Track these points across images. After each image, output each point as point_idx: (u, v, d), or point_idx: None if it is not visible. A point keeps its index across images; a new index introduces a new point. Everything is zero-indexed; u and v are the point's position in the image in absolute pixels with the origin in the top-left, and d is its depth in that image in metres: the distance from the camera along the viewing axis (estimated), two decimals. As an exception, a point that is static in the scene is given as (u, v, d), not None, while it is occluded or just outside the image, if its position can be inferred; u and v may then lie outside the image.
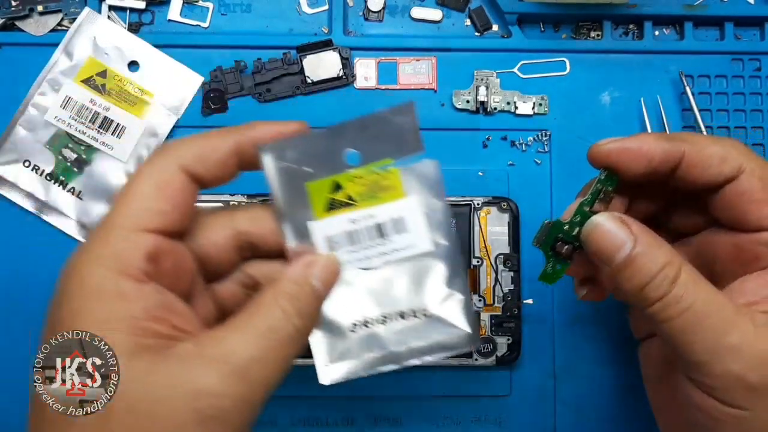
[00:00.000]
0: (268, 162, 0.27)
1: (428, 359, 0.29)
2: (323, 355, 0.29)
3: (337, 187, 0.28)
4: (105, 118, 0.41)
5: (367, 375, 0.29)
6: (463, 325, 0.29)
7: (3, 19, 0.41)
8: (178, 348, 0.23)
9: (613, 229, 0.27)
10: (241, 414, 0.23)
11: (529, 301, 0.40)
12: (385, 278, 0.29)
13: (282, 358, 0.24)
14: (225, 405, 0.23)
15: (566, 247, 0.29)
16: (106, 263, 0.24)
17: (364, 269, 0.29)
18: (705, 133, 0.41)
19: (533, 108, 0.42)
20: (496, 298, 0.39)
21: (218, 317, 0.29)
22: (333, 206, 0.28)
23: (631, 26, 0.43)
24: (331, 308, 0.29)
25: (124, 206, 0.25)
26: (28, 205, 0.40)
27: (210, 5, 0.42)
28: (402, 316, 0.30)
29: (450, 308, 0.29)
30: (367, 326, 0.29)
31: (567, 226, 0.29)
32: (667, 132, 0.41)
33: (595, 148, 0.29)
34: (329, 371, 0.29)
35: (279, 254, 0.28)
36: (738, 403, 0.26)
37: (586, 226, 0.28)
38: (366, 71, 0.42)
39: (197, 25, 0.42)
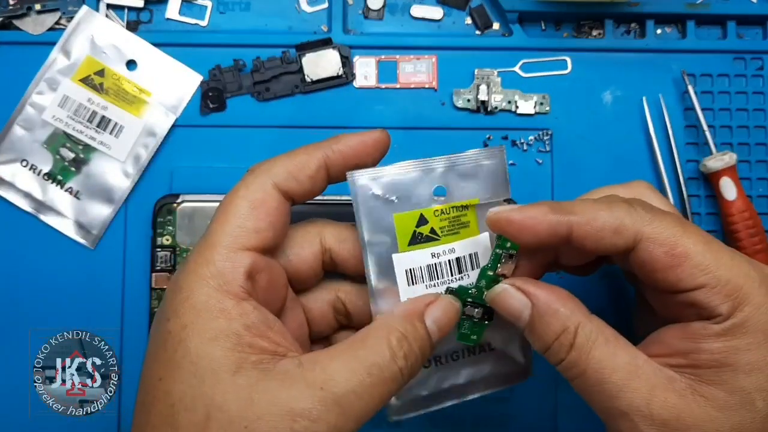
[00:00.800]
0: (357, 188, 0.28)
1: (488, 392, 0.30)
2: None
3: (423, 220, 0.29)
4: (103, 117, 0.40)
5: (432, 410, 0.30)
6: (521, 358, 0.31)
7: (1, 18, 0.41)
8: (280, 366, 0.24)
9: (510, 299, 0.27)
10: None
11: None
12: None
13: (380, 395, 0.25)
14: (319, 430, 0.23)
15: (477, 310, 0.29)
16: (210, 282, 0.25)
17: None
18: (707, 132, 0.41)
19: (534, 107, 0.42)
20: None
21: (309, 333, 0.30)
22: (417, 240, 0.29)
23: (632, 25, 0.43)
24: None
25: (222, 226, 0.26)
26: (25, 204, 0.40)
27: (208, 4, 0.42)
28: (470, 350, 0.30)
29: (512, 343, 0.30)
30: (439, 362, 0.30)
31: (473, 290, 0.29)
32: (670, 133, 0.41)
33: (488, 217, 0.28)
34: (397, 405, 0.30)
35: (357, 275, 0.30)
36: None
37: (486, 297, 0.28)
38: (366, 70, 0.42)
39: (196, 23, 0.42)
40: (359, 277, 0.30)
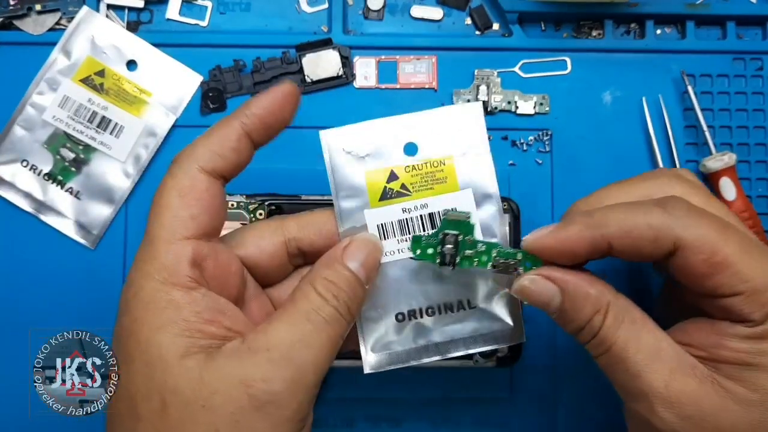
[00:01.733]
0: (327, 146, 0.29)
1: (471, 351, 0.30)
2: (367, 344, 0.30)
3: (393, 176, 0.29)
4: (103, 117, 0.40)
5: (410, 364, 0.30)
6: (508, 319, 0.30)
7: (1, 18, 0.41)
8: (226, 346, 0.25)
9: (539, 290, 0.27)
10: (295, 395, 0.24)
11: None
12: (434, 269, 0.30)
13: (326, 339, 0.26)
14: (276, 388, 0.24)
15: (452, 252, 0.28)
16: (155, 276, 0.25)
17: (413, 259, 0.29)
18: (707, 133, 0.41)
19: (534, 107, 0.42)
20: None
21: (268, 281, 0.30)
22: (387, 195, 0.29)
23: (632, 25, 0.43)
24: (378, 297, 0.29)
25: (158, 219, 0.26)
26: (25, 205, 0.40)
27: (209, 4, 0.42)
28: (449, 307, 0.30)
29: (496, 302, 0.30)
30: (413, 317, 0.30)
31: (470, 239, 0.28)
32: (669, 133, 0.41)
33: (523, 245, 0.28)
34: (372, 359, 0.30)
35: None
36: None
37: (515, 285, 0.28)
38: (366, 70, 0.42)
39: (196, 24, 0.42)
40: None
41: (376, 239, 0.29)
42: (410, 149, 0.29)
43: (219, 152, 0.27)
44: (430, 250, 0.28)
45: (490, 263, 0.28)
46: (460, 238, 0.28)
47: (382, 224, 0.29)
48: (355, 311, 0.27)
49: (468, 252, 0.28)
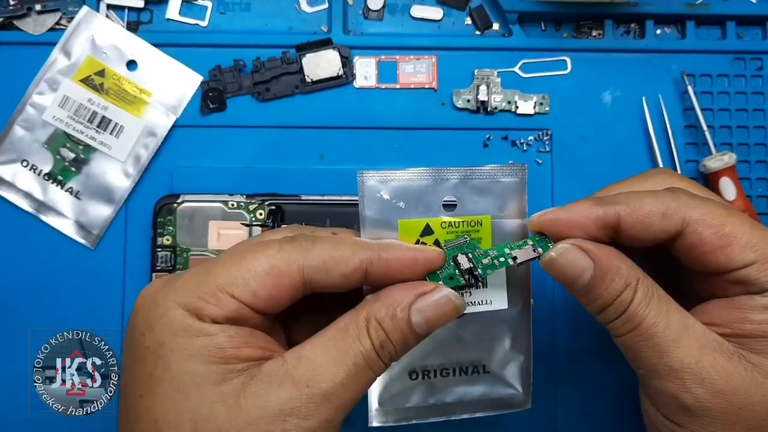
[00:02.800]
0: (365, 189, 0.27)
1: (477, 414, 0.30)
2: (376, 395, 0.29)
3: (428, 230, 0.28)
4: (103, 117, 0.40)
5: (415, 422, 0.30)
6: (518, 386, 0.30)
7: (1, 18, 0.41)
8: (264, 369, 0.24)
9: (573, 258, 0.26)
10: None
11: (530, 301, 0.40)
12: (453, 329, 0.29)
13: (363, 384, 0.25)
14: (311, 426, 0.23)
15: (468, 266, 0.27)
16: (189, 308, 0.25)
17: None
18: (707, 133, 0.41)
19: (534, 107, 0.42)
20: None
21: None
22: None
23: (632, 25, 0.43)
24: None
25: (228, 267, 0.25)
26: (25, 205, 0.40)
27: (209, 4, 0.42)
28: (463, 370, 0.30)
29: (510, 368, 0.30)
30: (427, 376, 0.30)
31: (480, 251, 0.27)
32: (669, 133, 0.41)
33: (531, 221, 0.27)
34: (379, 413, 0.30)
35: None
36: (675, 420, 0.26)
37: (546, 255, 0.27)
38: (366, 70, 0.42)
39: (196, 24, 0.42)
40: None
41: (461, 301, 0.26)
42: (449, 203, 0.28)
43: (329, 269, 0.25)
44: (451, 279, 0.27)
45: (510, 258, 0.27)
46: (470, 255, 0.27)
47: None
48: (397, 358, 0.26)
49: (485, 261, 0.27)
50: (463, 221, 0.28)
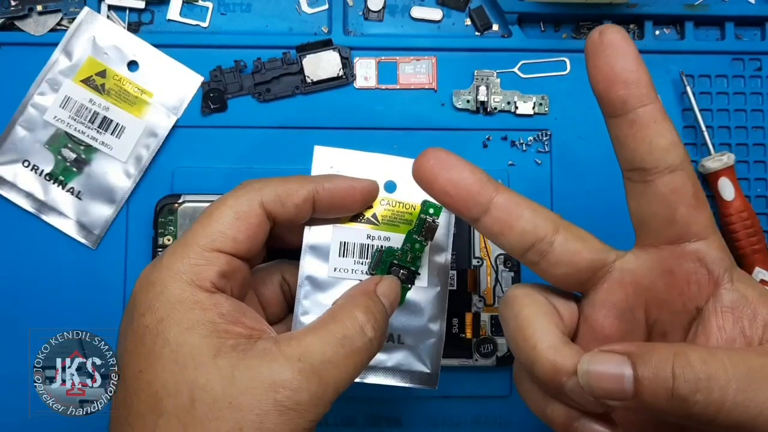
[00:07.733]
0: (316, 160, 0.31)
1: (387, 382, 0.31)
2: None
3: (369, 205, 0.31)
4: (104, 117, 0.40)
5: None
6: (428, 365, 0.32)
7: (2, 19, 0.41)
8: (257, 345, 0.26)
9: (605, 367, 0.22)
10: (315, 408, 0.25)
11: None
12: None
13: (353, 364, 0.26)
14: (301, 399, 0.25)
15: (402, 271, 0.31)
16: (183, 277, 0.26)
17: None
18: (705, 133, 0.41)
19: (533, 108, 0.42)
20: (496, 298, 0.39)
21: (265, 317, 0.31)
22: (357, 218, 0.31)
23: (631, 26, 0.43)
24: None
25: (204, 227, 0.27)
26: (27, 205, 0.40)
27: (209, 5, 0.42)
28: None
29: (423, 346, 0.32)
30: None
31: (400, 253, 0.31)
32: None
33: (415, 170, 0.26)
34: None
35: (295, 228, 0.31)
36: None
37: (581, 377, 0.22)
38: (366, 71, 0.42)
39: (197, 24, 0.42)
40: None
41: (398, 281, 0.30)
42: (390, 187, 0.31)
43: (283, 201, 0.29)
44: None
45: (423, 241, 0.31)
46: (395, 261, 0.31)
47: (344, 242, 0.31)
48: (382, 343, 0.28)
49: (409, 258, 0.31)
50: (398, 202, 0.31)
